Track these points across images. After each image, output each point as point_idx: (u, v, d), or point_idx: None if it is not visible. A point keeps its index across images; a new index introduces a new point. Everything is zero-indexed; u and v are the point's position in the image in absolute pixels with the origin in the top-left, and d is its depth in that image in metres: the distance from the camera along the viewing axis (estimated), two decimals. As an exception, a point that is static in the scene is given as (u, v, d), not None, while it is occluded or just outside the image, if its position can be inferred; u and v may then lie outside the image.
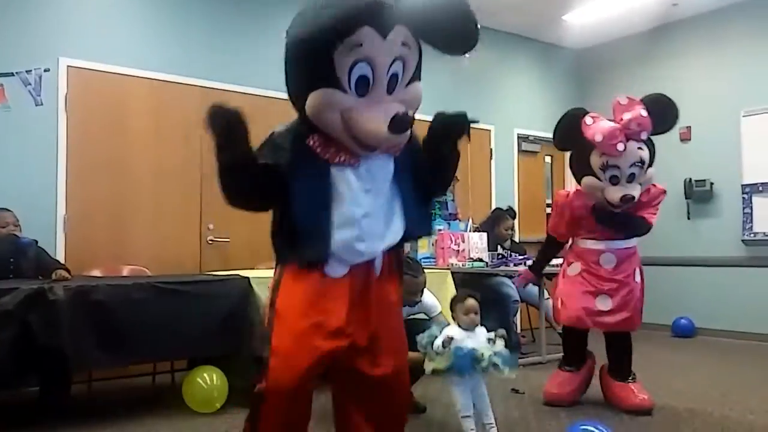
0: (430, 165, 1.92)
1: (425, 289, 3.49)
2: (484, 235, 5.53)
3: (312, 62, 1.69)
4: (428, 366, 2.71)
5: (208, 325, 3.46)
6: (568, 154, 3.64)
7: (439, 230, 5.58)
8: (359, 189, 1.80)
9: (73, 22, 4.41)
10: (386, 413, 1.95)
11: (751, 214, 5.86)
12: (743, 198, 5.91)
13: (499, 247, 5.56)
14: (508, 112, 6.85)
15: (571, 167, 3.53)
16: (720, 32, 6.25)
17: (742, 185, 5.92)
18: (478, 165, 6.55)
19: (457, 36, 1.71)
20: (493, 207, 6.23)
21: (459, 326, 2.80)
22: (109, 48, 4.53)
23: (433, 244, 5.56)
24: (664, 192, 3.43)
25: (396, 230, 1.89)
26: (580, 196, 3.47)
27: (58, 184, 4.28)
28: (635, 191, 3.22)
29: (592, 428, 2.47)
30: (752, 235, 5.84)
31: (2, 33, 4.15)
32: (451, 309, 2.87)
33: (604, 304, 3.40)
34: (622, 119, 3.19)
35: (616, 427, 2.97)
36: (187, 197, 4.75)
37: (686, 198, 6.29)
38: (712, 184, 6.18)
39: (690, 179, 6.26)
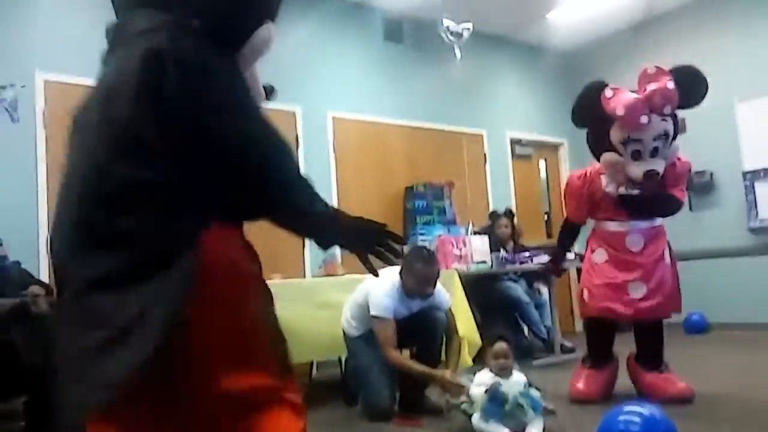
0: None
1: (438, 283, 3.31)
2: (485, 237, 5.35)
3: None
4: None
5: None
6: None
7: (439, 236, 5.39)
8: None
9: (49, 36, 4.22)
10: None
11: (755, 200, 5.74)
12: (746, 185, 5.79)
13: (502, 249, 5.39)
14: (499, 116, 6.72)
15: (589, 145, 3.35)
16: (707, 20, 6.22)
17: (743, 172, 5.81)
18: (474, 170, 6.40)
19: None
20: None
21: (491, 371, 2.79)
22: (86, 61, 4.25)
23: (434, 250, 5.36)
24: (690, 167, 3.28)
25: None
26: (599, 174, 3.30)
27: (39, 202, 4.03)
28: (659, 166, 3.04)
29: (637, 407, 2.21)
30: (759, 222, 5.71)
31: (-26, 49, 3.96)
32: (483, 354, 2.91)
33: (637, 291, 3.19)
34: (645, 90, 3.02)
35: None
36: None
37: (687, 190, 6.12)
38: (712, 174, 6.06)
39: (689, 170, 6.12)
